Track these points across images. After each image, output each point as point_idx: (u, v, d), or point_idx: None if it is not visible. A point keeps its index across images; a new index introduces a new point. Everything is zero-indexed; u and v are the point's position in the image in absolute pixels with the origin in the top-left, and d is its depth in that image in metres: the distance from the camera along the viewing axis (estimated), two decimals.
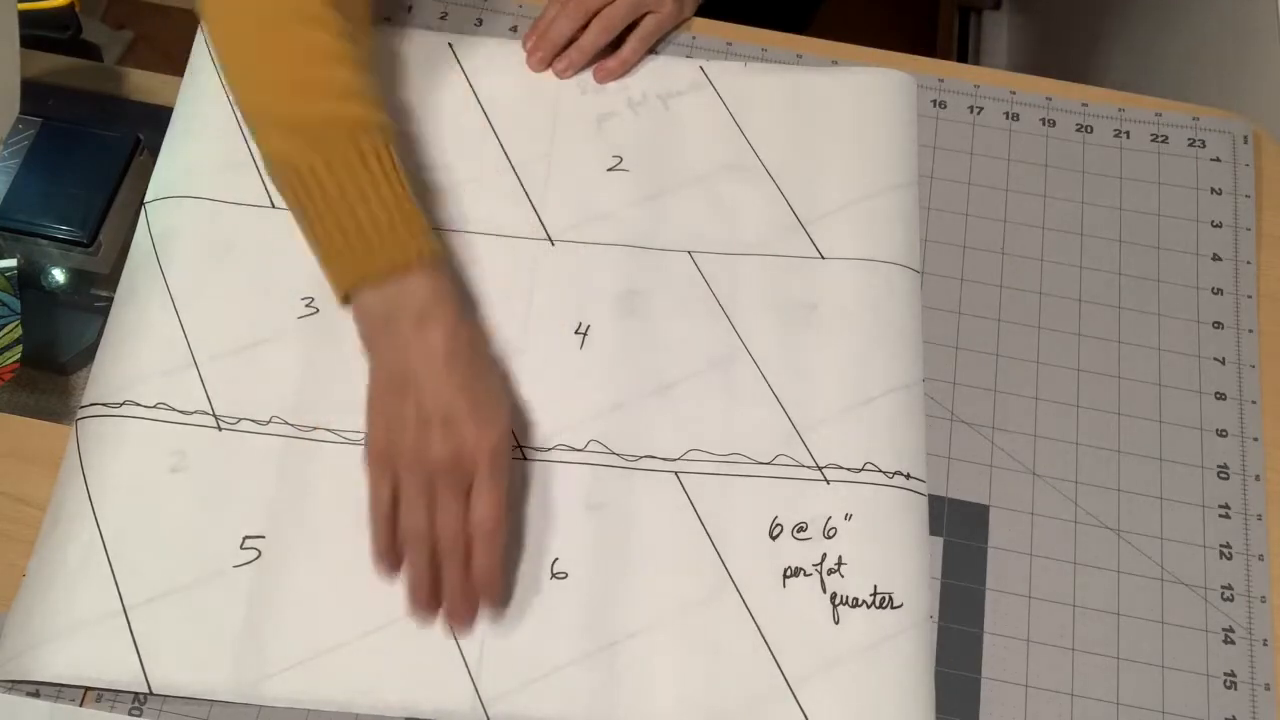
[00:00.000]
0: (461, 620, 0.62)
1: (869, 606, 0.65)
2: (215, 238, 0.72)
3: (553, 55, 0.79)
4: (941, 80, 0.81)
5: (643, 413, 0.69)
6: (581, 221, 0.74)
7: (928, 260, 0.75)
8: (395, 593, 0.64)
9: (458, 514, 0.61)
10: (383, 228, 0.63)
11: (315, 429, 0.68)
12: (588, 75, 0.79)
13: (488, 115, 0.78)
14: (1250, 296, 0.75)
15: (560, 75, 0.79)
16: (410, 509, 0.61)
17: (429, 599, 0.62)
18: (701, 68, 0.80)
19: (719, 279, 0.73)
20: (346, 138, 0.63)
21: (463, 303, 0.66)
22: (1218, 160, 0.79)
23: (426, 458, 0.60)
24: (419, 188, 0.73)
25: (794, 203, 0.75)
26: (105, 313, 0.72)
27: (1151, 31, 1.13)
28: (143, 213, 0.74)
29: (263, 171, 0.73)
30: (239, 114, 0.72)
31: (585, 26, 0.78)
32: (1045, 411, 0.71)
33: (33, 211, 0.75)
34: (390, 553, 0.63)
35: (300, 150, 0.63)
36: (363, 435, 0.67)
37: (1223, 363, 0.73)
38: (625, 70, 0.79)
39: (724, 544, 0.66)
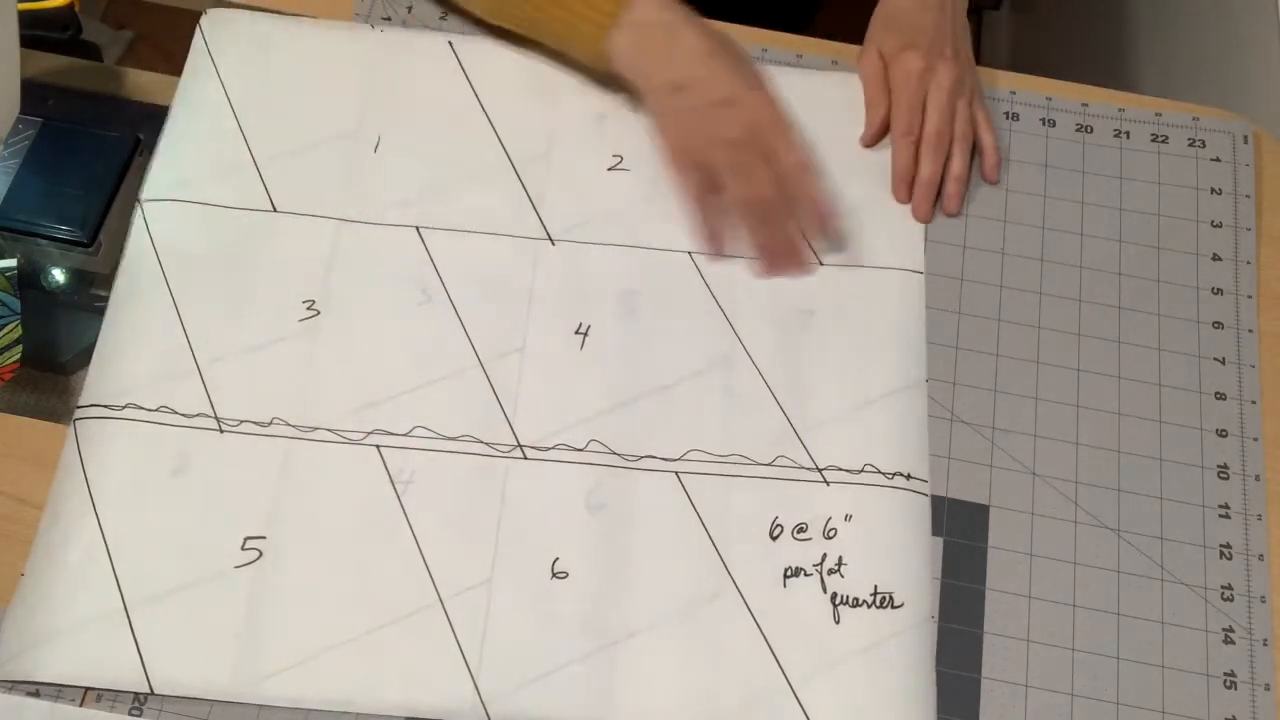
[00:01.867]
0: (795, 263, 0.73)
1: (869, 606, 0.65)
2: (215, 240, 0.72)
3: (935, 198, 0.75)
4: None
5: (643, 413, 0.69)
6: (581, 221, 0.74)
7: (928, 260, 0.75)
8: (397, 592, 0.64)
9: (768, 174, 0.71)
10: None
11: (316, 429, 0.68)
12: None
13: (488, 115, 0.78)
14: (1250, 296, 0.75)
15: (954, 214, 0.76)
16: (732, 181, 0.71)
17: (782, 256, 0.72)
18: None
19: (719, 280, 0.73)
20: None
21: (688, 6, 0.73)
22: (1218, 160, 0.79)
23: (726, 136, 0.70)
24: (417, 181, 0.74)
25: None
26: (105, 313, 0.72)
27: (1151, 31, 1.13)
28: (139, 212, 0.73)
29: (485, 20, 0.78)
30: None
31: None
32: (1045, 411, 0.71)
33: (33, 211, 0.75)
34: (715, 236, 0.73)
35: None
36: (364, 435, 0.67)
37: (1223, 363, 0.73)
38: (1000, 156, 0.77)
39: (724, 544, 0.66)
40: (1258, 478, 0.70)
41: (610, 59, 0.73)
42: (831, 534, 0.66)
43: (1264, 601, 0.67)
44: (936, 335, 0.73)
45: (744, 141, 0.70)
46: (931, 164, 0.75)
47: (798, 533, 0.66)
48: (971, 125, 0.77)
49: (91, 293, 0.75)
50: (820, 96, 0.79)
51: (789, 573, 0.65)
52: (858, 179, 0.76)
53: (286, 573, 0.64)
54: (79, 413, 0.68)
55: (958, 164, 0.76)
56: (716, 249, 0.73)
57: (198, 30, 0.80)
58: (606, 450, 0.68)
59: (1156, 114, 0.80)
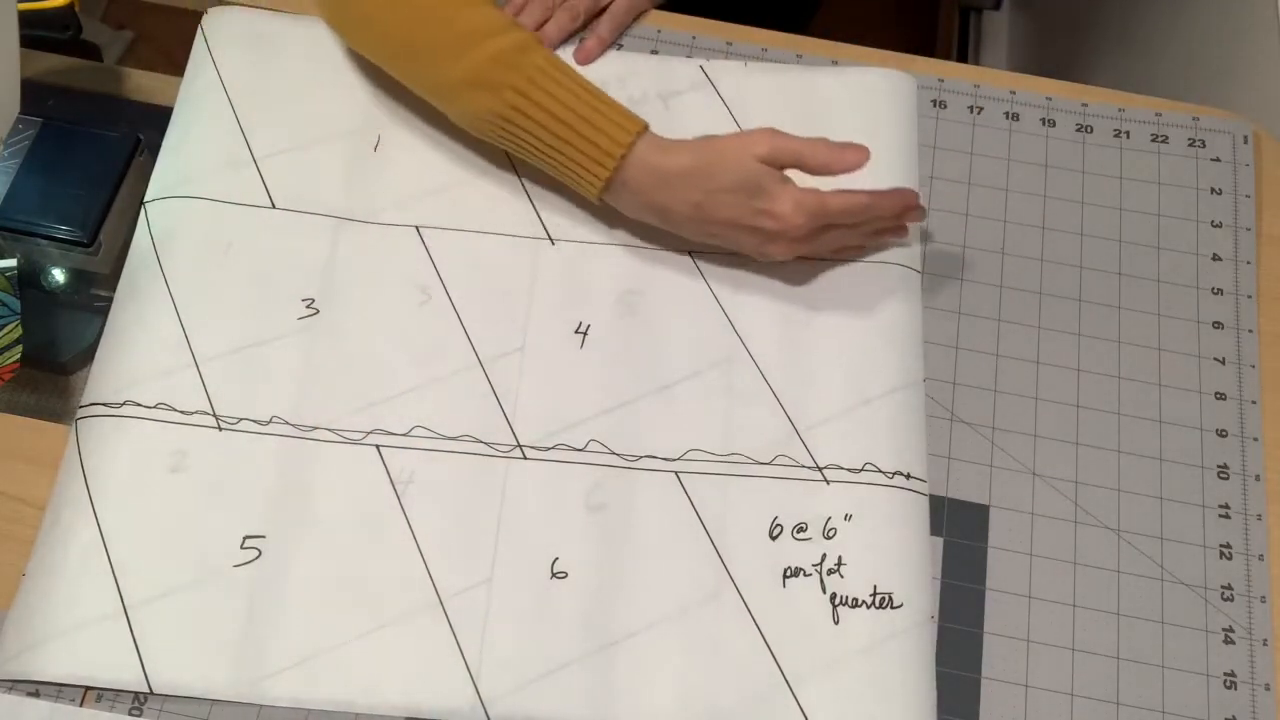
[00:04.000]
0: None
1: (869, 607, 0.65)
2: (215, 238, 0.72)
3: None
4: (941, 80, 0.81)
5: (643, 412, 0.69)
6: (581, 221, 0.74)
7: (928, 260, 0.75)
8: (397, 592, 0.64)
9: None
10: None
11: (315, 429, 0.68)
12: (586, 73, 0.79)
13: None
14: (1250, 296, 0.75)
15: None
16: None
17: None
18: (701, 67, 0.80)
19: (719, 278, 0.73)
20: (514, 69, 0.69)
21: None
22: (1218, 160, 0.79)
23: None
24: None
25: None
26: (105, 313, 0.72)
27: (1151, 31, 1.13)
28: (142, 213, 0.74)
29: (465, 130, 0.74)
30: (420, 94, 0.74)
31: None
32: (1045, 411, 0.71)
33: (33, 211, 0.75)
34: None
35: (489, 99, 0.69)
36: (364, 434, 0.67)
37: (1223, 363, 0.73)
38: (603, 48, 0.80)
39: (724, 544, 0.66)
40: (1258, 478, 0.70)
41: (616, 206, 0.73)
42: (831, 534, 0.66)
43: (1264, 601, 0.67)
44: (936, 335, 0.73)
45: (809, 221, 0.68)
46: (533, 13, 0.80)
47: (797, 532, 0.66)
48: (592, 8, 0.80)
49: (91, 293, 0.75)
50: (819, 95, 0.79)
51: (788, 573, 0.65)
52: (856, 176, 0.76)
53: (286, 572, 0.64)
54: (80, 412, 0.68)
55: (551, 26, 0.80)
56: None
57: (200, 29, 0.80)
58: (606, 450, 0.68)
59: (1156, 114, 0.80)
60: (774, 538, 0.66)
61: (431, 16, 0.70)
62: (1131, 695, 0.64)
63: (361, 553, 0.65)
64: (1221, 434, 0.71)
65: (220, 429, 0.67)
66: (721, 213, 0.69)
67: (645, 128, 0.69)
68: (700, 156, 0.68)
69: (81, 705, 0.62)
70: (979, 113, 0.80)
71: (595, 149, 0.69)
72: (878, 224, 0.71)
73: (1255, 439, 0.71)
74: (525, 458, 0.68)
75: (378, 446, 0.67)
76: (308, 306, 0.71)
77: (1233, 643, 0.66)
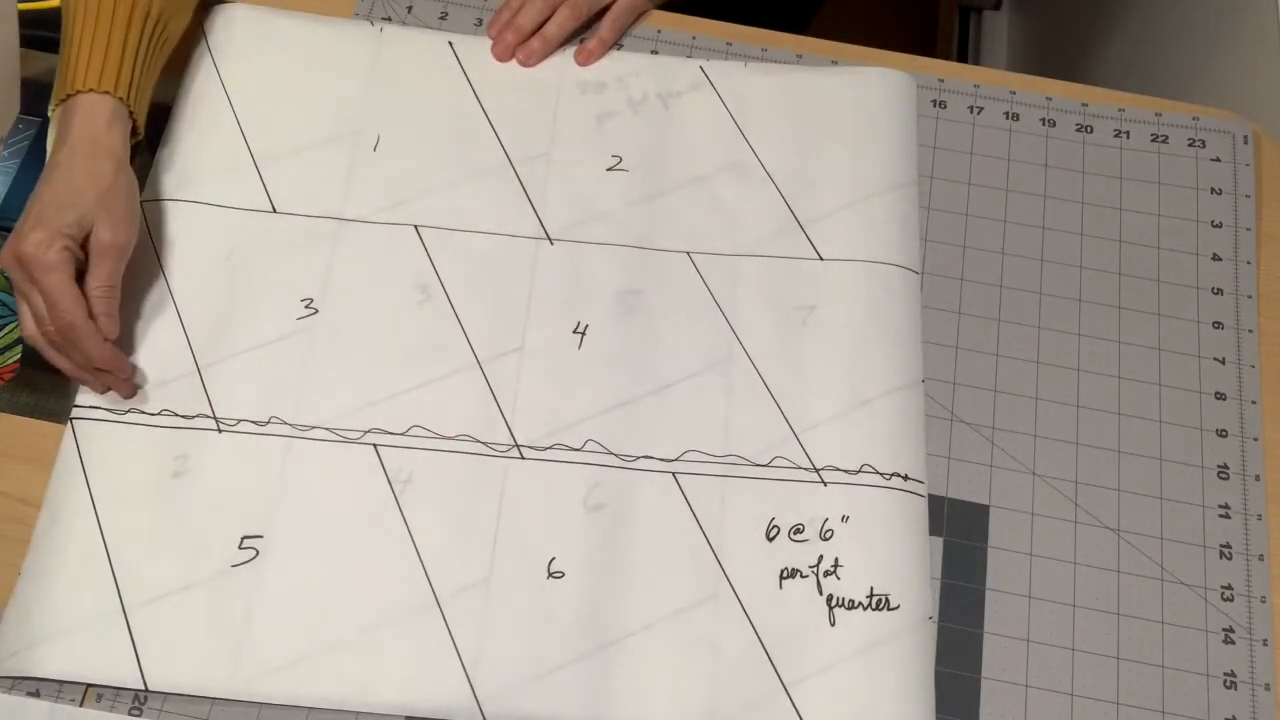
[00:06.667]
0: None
1: (865, 608, 0.64)
2: (215, 241, 0.72)
3: (518, 44, 0.79)
4: (941, 80, 0.81)
5: (640, 413, 0.69)
6: (581, 221, 0.74)
7: (928, 260, 0.75)
8: (394, 592, 0.64)
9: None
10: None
11: (313, 428, 0.68)
12: (586, 73, 0.79)
13: (488, 115, 0.78)
14: (1250, 296, 0.75)
15: (524, 64, 0.79)
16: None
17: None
18: (701, 68, 0.80)
19: (717, 280, 0.73)
20: None
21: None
22: (1218, 160, 0.79)
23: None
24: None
25: (793, 203, 0.75)
26: None
27: (1151, 31, 1.13)
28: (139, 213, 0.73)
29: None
30: None
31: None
32: (1045, 411, 0.71)
33: None
34: None
35: None
36: (362, 434, 0.67)
37: (1223, 363, 0.73)
38: (605, 50, 0.80)
39: (721, 545, 0.66)
40: (1258, 478, 0.70)
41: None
42: (828, 535, 0.66)
43: (1264, 601, 0.66)
44: (936, 335, 0.73)
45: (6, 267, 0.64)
46: (531, 13, 0.79)
47: (794, 534, 0.66)
48: (593, 7, 0.79)
49: None
50: (819, 95, 0.79)
51: (785, 574, 0.65)
52: (856, 176, 0.76)
53: (283, 571, 0.64)
54: (76, 412, 0.68)
55: (553, 26, 0.79)
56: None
57: (200, 28, 0.80)
58: (604, 450, 0.68)
59: (1156, 114, 0.80)
60: (771, 539, 0.66)
61: None
62: (1131, 695, 0.64)
63: (359, 552, 0.65)
64: (1221, 434, 0.71)
65: (220, 431, 0.67)
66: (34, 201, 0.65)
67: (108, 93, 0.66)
68: (88, 166, 0.65)
69: (81, 705, 0.62)
70: (979, 113, 0.80)
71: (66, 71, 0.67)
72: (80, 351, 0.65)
73: (1255, 439, 0.71)
74: (523, 457, 0.68)
75: (375, 446, 0.67)
76: (307, 306, 0.71)
77: (1233, 643, 0.66)
